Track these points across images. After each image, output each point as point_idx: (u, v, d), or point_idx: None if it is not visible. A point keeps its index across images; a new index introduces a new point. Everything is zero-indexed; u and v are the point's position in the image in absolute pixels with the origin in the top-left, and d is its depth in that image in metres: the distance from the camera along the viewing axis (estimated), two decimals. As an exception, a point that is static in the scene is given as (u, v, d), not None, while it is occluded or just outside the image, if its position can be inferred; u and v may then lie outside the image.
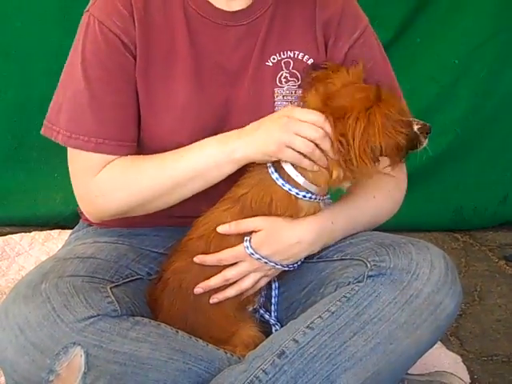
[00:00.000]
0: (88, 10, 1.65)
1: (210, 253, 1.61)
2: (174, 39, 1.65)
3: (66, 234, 2.49)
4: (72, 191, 1.71)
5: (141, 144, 1.68)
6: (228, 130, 1.62)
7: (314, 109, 1.54)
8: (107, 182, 1.63)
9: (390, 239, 1.62)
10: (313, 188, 1.57)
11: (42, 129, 1.68)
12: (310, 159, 1.53)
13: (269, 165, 1.58)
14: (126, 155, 1.64)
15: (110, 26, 1.61)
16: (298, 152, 1.52)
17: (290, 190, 1.57)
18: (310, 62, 1.70)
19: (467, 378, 2.00)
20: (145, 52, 1.63)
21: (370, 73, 1.66)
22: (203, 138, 1.62)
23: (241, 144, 1.55)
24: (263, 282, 1.66)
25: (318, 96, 1.56)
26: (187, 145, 1.61)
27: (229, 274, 1.62)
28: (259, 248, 1.59)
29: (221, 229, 1.60)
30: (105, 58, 1.61)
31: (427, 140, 1.58)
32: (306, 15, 1.70)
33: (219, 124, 1.66)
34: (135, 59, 1.63)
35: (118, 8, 1.62)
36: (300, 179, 1.56)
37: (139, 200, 1.63)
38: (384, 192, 1.72)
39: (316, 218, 1.61)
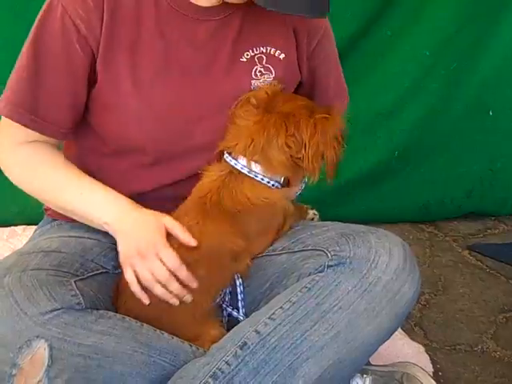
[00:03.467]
0: None
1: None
2: (141, 29, 1.64)
3: (30, 229, 2.46)
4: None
5: (106, 133, 1.70)
6: (203, 121, 1.66)
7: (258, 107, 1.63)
8: (15, 160, 1.69)
9: (350, 229, 1.65)
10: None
11: None
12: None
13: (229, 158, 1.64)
14: (48, 135, 1.68)
15: (71, 13, 1.59)
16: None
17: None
18: (282, 57, 1.72)
19: (430, 368, 2.03)
20: (110, 40, 1.62)
21: (328, 58, 1.82)
22: (173, 126, 1.65)
23: (115, 226, 1.62)
24: None
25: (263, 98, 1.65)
26: (155, 133, 1.65)
27: None
28: None
29: None
30: (55, 42, 1.61)
31: None
32: (277, 15, 1.69)
33: (192, 114, 1.67)
34: (92, 50, 1.61)
35: None
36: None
37: (31, 191, 1.72)
38: None
39: None
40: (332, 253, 1.58)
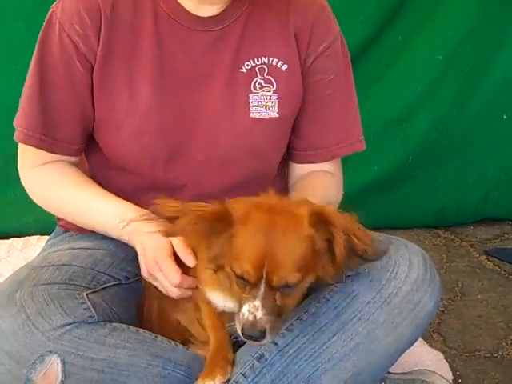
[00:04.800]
0: (53, 8, 1.63)
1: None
2: (138, 40, 1.62)
3: (44, 240, 2.42)
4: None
5: (105, 148, 1.69)
6: (199, 134, 1.62)
7: None
8: (33, 184, 1.72)
9: None
10: None
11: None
12: None
13: None
14: (59, 154, 1.68)
15: (69, 30, 1.59)
16: None
17: None
18: (285, 68, 1.68)
19: (450, 375, 2.00)
20: (107, 53, 1.61)
21: (330, 85, 1.71)
22: (169, 139, 1.63)
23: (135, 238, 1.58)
24: None
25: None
26: (151, 148, 1.62)
27: None
28: None
29: None
30: (56, 61, 1.61)
31: None
32: (280, 22, 1.68)
33: (188, 126, 1.64)
34: (92, 66, 1.61)
35: (80, 13, 1.59)
36: None
37: (53, 212, 1.77)
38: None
39: None
40: (350, 261, 1.55)
